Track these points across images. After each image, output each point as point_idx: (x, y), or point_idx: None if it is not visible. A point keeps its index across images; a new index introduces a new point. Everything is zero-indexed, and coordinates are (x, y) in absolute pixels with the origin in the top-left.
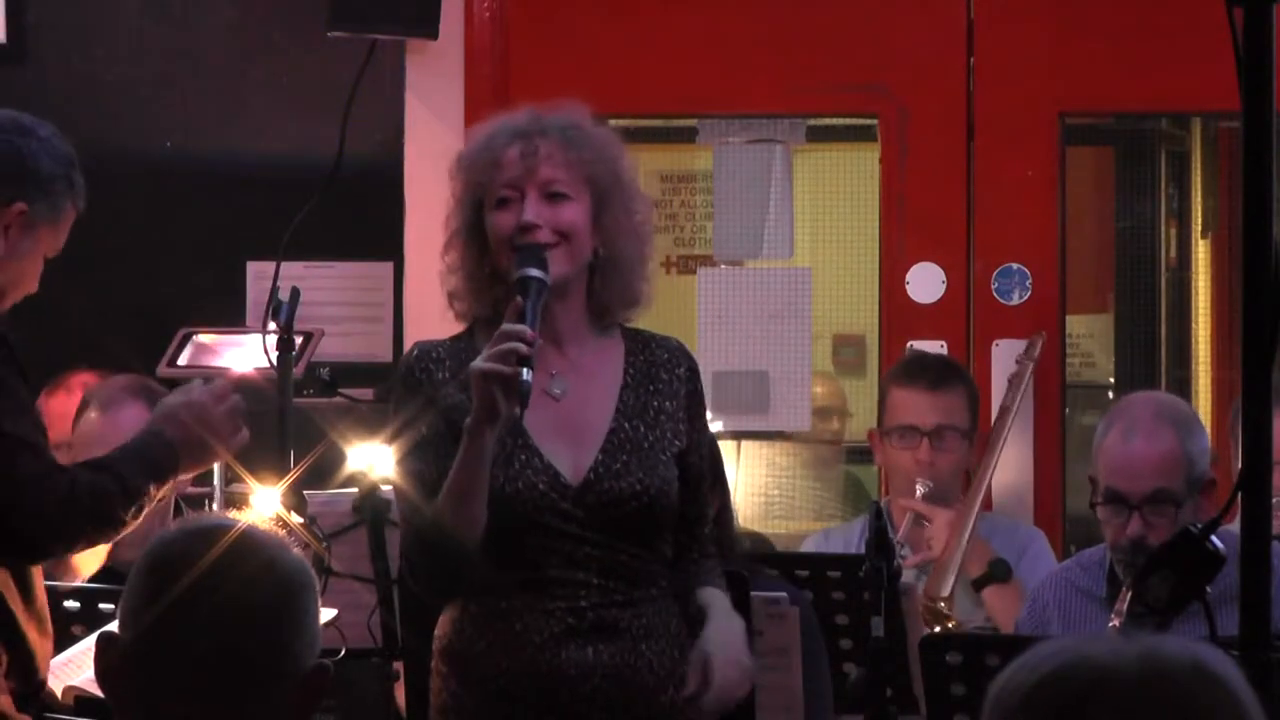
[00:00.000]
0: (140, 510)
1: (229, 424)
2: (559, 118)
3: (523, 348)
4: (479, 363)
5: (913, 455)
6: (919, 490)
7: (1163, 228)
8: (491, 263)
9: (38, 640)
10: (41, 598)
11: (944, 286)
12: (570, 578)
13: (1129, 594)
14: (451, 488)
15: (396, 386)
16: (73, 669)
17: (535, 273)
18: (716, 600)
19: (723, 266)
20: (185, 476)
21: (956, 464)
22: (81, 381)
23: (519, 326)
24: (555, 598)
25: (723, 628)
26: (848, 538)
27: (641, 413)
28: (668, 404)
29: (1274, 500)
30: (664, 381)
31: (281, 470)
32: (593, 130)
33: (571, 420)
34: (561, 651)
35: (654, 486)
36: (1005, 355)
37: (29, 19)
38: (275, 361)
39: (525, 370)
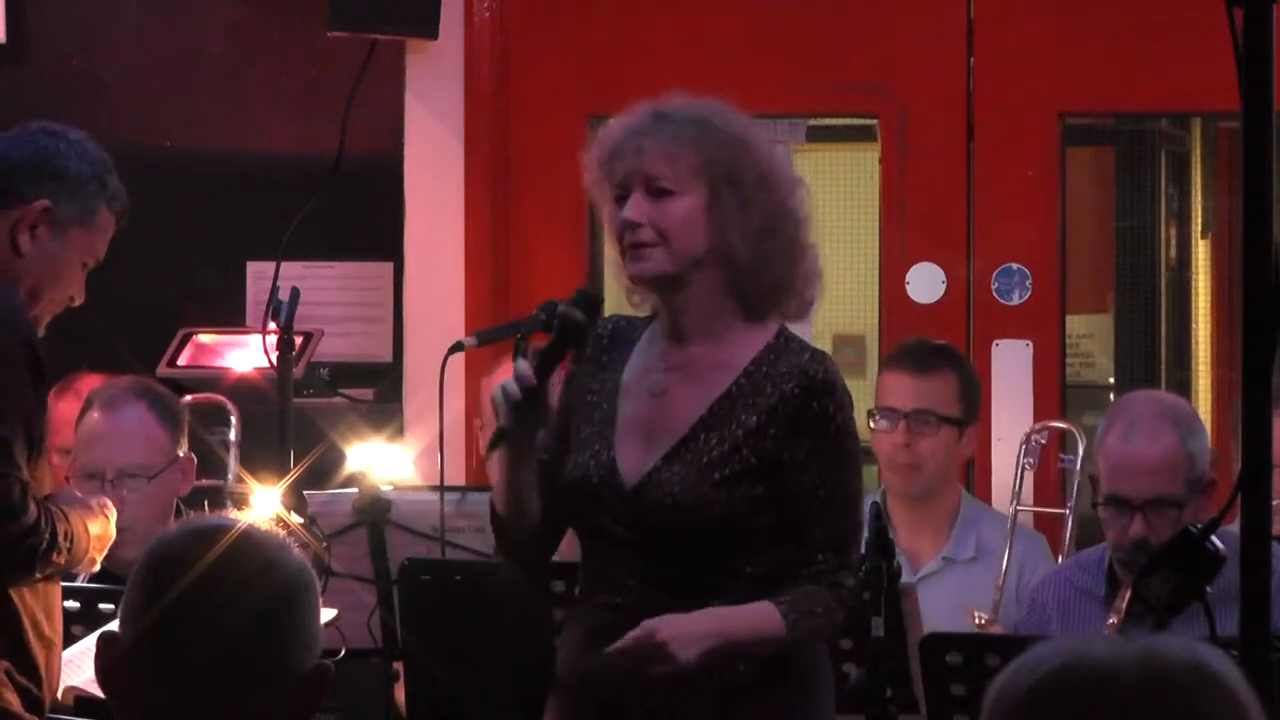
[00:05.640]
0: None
1: None
2: (676, 111)
3: (514, 394)
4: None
5: (890, 438)
6: None
7: (1163, 228)
8: None
9: (44, 663)
10: (57, 626)
11: (944, 286)
12: (611, 574)
13: (1128, 593)
14: (498, 482)
15: None
16: (73, 669)
17: (577, 315)
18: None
19: None
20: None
21: (938, 450)
22: (89, 384)
23: (525, 369)
24: (599, 590)
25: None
26: None
27: (724, 425)
28: (755, 419)
29: (1275, 502)
30: (767, 395)
31: (281, 470)
32: (712, 119)
33: (656, 420)
34: (592, 649)
35: (689, 503)
36: (1005, 355)
37: (29, 19)
38: (275, 361)
39: (514, 419)
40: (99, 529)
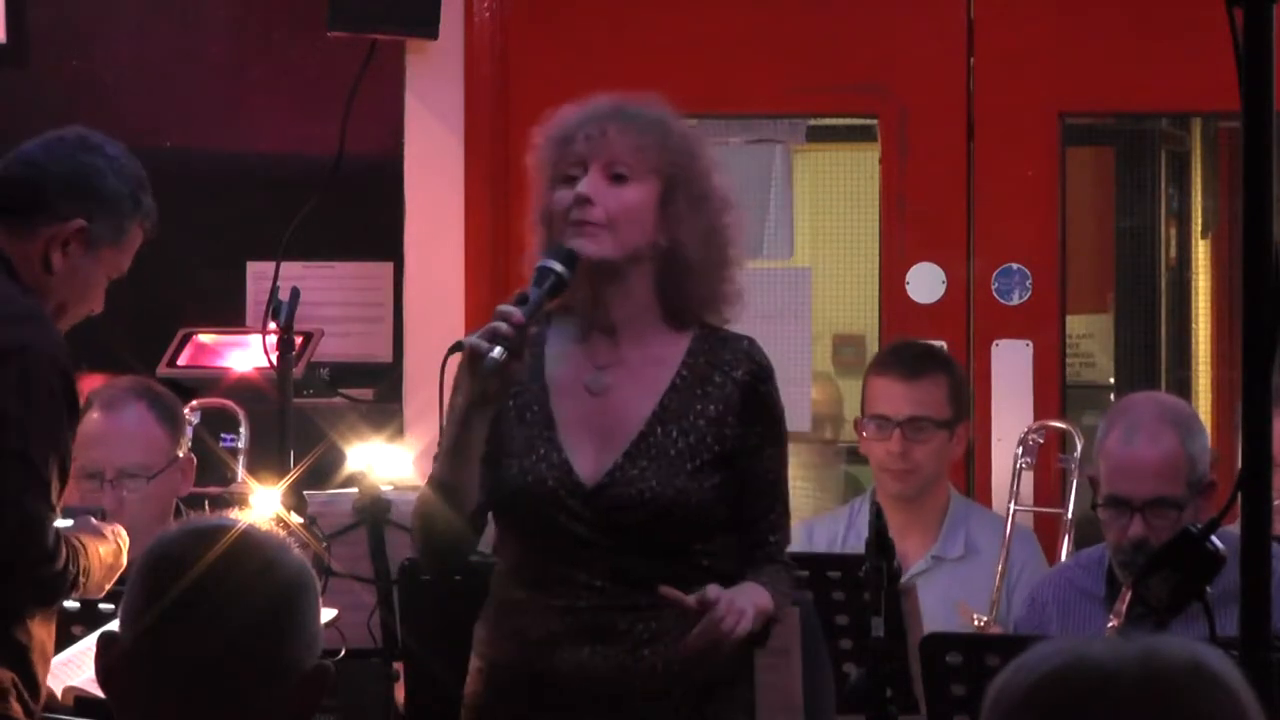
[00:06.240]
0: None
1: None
2: (638, 106)
3: (503, 327)
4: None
5: (884, 445)
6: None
7: (1163, 228)
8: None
9: (43, 679)
10: (53, 643)
11: (944, 286)
12: (572, 577)
13: (1128, 595)
14: (440, 457)
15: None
16: (73, 669)
17: (556, 265)
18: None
19: None
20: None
21: (932, 455)
22: (89, 384)
23: (510, 308)
24: (557, 595)
25: (743, 586)
26: (833, 529)
27: (680, 417)
28: (712, 408)
29: (1275, 502)
30: (716, 385)
31: (281, 470)
32: (672, 123)
33: (604, 419)
34: (557, 651)
35: (666, 496)
36: (1005, 355)
37: (29, 19)
38: (275, 361)
39: (497, 349)
40: (111, 558)
